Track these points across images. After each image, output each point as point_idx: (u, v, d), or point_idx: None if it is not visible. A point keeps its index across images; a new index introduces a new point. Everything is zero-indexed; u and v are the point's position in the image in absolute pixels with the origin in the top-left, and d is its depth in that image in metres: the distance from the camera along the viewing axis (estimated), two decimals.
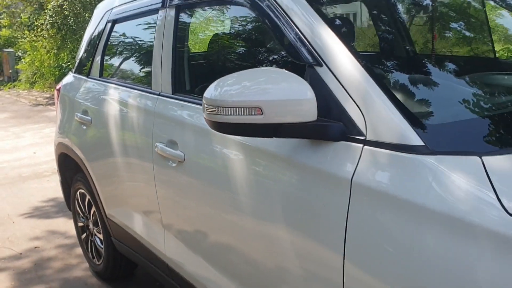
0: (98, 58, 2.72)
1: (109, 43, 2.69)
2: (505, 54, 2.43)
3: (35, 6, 14.31)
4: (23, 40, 17.04)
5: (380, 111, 1.19)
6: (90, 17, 12.68)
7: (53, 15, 13.25)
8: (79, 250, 3.43)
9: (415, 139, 1.12)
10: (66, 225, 4.01)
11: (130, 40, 2.71)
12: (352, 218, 1.18)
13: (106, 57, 2.72)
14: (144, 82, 2.31)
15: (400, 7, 2.25)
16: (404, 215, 1.08)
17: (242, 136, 1.32)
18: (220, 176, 1.65)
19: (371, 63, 1.46)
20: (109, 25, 2.67)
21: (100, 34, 2.74)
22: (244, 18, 2.02)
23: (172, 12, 2.05)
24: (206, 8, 2.17)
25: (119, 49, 2.76)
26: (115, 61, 2.77)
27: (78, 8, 13.39)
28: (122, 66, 2.72)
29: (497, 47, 2.50)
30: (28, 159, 6.53)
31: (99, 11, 2.93)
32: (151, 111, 2.06)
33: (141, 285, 3.01)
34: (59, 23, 13.53)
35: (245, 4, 1.68)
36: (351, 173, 1.19)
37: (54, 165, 6.05)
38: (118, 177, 2.40)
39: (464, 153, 1.07)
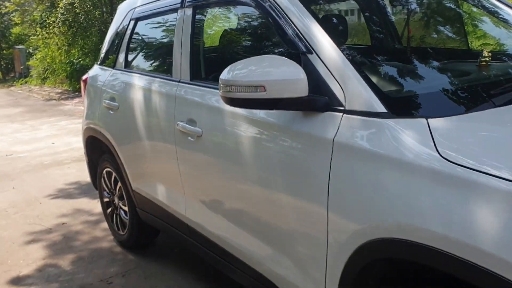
0: (123, 51, 3.12)
1: (132, 38, 3.08)
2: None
3: (47, 4, 14.70)
4: (34, 37, 17.42)
5: (355, 87, 1.57)
6: (100, 14, 13.04)
7: (65, 13, 13.58)
8: (104, 225, 3.83)
9: (380, 108, 1.50)
10: (90, 204, 4.42)
11: (152, 35, 3.09)
12: (333, 169, 1.55)
13: (130, 50, 3.11)
14: (165, 71, 2.69)
15: (384, 8, 2.63)
16: (371, 163, 1.45)
17: (250, 108, 1.70)
18: (232, 144, 2.04)
19: (352, 51, 1.83)
20: (133, 22, 3.06)
21: (125, 30, 3.13)
22: (249, 16, 2.39)
23: (189, 11, 2.43)
24: (218, 7, 2.55)
25: (142, 43, 3.15)
26: (138, 53, 3.16)
27: (88, 6, 13.77)
28: (144, 58, 3.11)
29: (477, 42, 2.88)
30: (48, 149, 6.94)
31: (122, 10, 3.32)
32: (173, 95, 2.44)
33: (161, 252, 3.40)
34: (70, 20, 13.87)
35: (251, 4, 2.05)
36: (333, 135, 1.57)
37: (73, 154, 6.50)
38: (144, 154, 2.79)
39: (415, 116, 1.45)
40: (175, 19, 2.54)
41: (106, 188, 3.53)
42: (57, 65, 16.02)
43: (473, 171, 1.22)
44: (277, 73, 1.61)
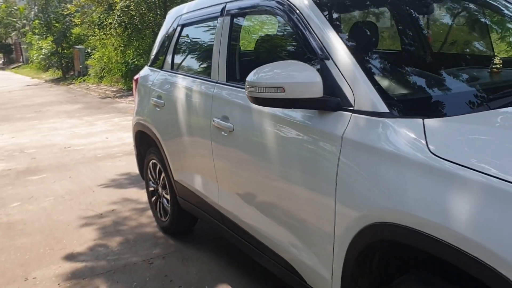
0: (170, 54, 3.44)
1: (178, 42, 3.40)
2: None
3: (105, 6, 15.43)
4: (92, 37, 18.27)
5: (363, 90, 1.78)
6: (154, 17, 13.56)
7: (121, 15, 14.20)
8: (149, 213, 4.19)
9: (383, 108, 1.70)
10: (138, 194, 4.80)
11: (195, 40, 3.39)
12: (341, 163, 1.77)
13: (176, 53, 3.43)
14: (205, 73, 2.98)
15: (400, 14, 2.79)
16: (371, 156, 1.65)
17: (271, 107, 1.94)
18: (258, 138, 2.28)
19: (365, 57, 2.03)
20: (179, 28, 3.38)
21: (172, 35, 3.45)
22: (279, 25, 2.63)
23: (227, 19, 2.70)
24: (253, 16, 2.81)
25: (186, 47, 3.45)
26: (183, 56, 3.47)
27: (143, 9, 14.37)
28: (188, 61, 3.41)
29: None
30: (102, 143, 7.45)
31: (170, 16, 3.64)
32: (210, 94, 2.72)
33: (198, 239, 3.70)
34: (126, 22, 14.50)
35: (280, 14, 2.29)
36: (342, 131, 1.78)
37: (124, 148, 6.96)
38: (184, 147, 3.09)
39: (413, 117, 1.64)
40: (215, 26, 2.81)
41: (151, 178, 3.87)
42: (113, 65, 16.78)
43: (458, 166, 1.40)
44: (298, 76, 1.84)
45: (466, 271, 1.34)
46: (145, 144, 3.86)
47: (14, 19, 36.25)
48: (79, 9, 17.87)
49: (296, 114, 2.02)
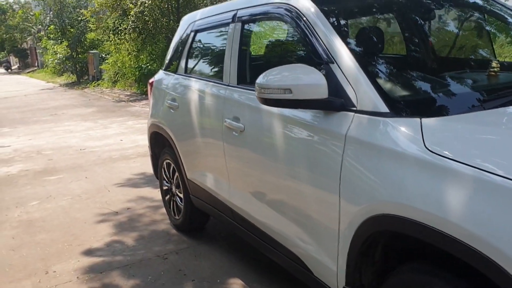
0: (183, 58, 3.59)
1: (192, 47, 3.55)
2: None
3: (119, 12, 15.70)
4: (107, 42, 18.57)
5: (365, 92, 1.90)
6: (167, 22, 13.81)
7: (135, 20, 14.44)
8: (162, 210, 4.33)
9: (384, 108, 1.82)
10: (152, 193, 4.95)
11: (207, 45, 3.54)
12: (344, 160, 1.89)
13: (189, 58, 3.58)
14: (217, 76, 3.12)
15: (402, 20, 2.92)
16: (372, 153, 1.78)
17: (279, 107, 2.07)
18: (267, 137, 2.42)
19: (368, 60, 2.16)
20: (192, 33, 3.53)
21: (186, 40, 3.60)
22: (287, 30, 2.77)
23: (239, 26, 2.84)
24: (263, 22, 2.94)
25: (199, 52, 3.61)
26: (196, 60, 3.62)
27: (157, 15, 14.61)
28: (201, 65, 3.56)
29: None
30: (116, 145, 7.63)
31: (184, 22, 3.80)
32: (222, 96, 2.86)
33: (209, 235, 3.84)
34: (140, 27, 14.74)
35: (288, 20, 2.42)
36: (346, 130, 1.91)
37: (138, 150, 7.13)
38: (197, 147, 3.23)
39: (411, 116, 1.76)
40: (227, 32, 2.96)
41: (165, 178, 4.02)
42: (127, 69, 17.04)
43: (451, 160, 1.52)
44: (304, 78, 1.97)
45: (459, 257, 1.45)
46: (160, 144, 4.01)
47: (30, 24, 36.92)
48: (94, 14, 18.18)
49: (303, 114, 2.15)
